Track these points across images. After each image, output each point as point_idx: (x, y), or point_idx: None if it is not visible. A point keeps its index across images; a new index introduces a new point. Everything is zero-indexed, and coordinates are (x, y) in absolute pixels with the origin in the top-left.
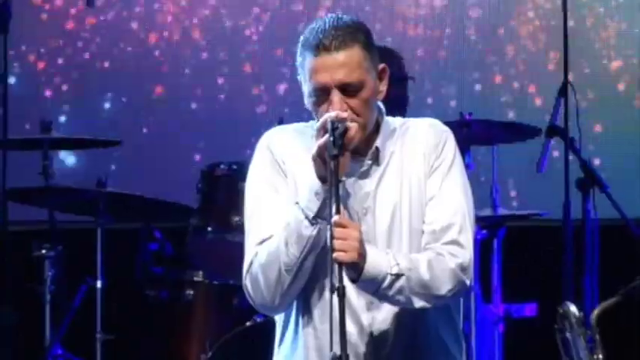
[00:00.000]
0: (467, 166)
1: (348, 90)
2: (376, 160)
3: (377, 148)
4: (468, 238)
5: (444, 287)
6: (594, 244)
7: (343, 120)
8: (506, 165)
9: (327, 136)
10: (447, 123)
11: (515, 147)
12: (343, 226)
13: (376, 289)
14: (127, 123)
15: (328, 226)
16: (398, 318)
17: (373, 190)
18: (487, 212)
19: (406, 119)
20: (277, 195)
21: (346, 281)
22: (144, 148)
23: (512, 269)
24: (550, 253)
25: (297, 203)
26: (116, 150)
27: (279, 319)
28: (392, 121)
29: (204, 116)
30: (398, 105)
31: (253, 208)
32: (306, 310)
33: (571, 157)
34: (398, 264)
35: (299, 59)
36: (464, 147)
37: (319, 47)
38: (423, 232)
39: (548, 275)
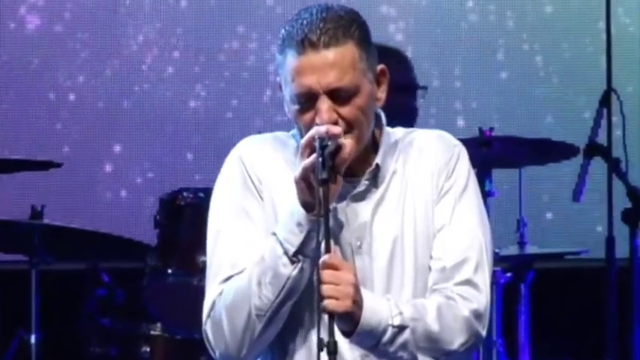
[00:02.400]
0: (488, 194)
1: (339, 96)
2: (374, 180)
3: (377, 166)
4: (484, 279)
5: (457, 340)
6: None
7: (335, 136)
8: (536, 192)
9: (314, 156)
10: (462, 141)
11: (548, 170)
12: (335, 268)
13: (375, 343)
14: (71, 141)
15: (315, 268)
16: None
17: (369, 218)
18: (513, 250)
19: (409, 130)
20: (250, 222)
21: (337, 334)
22: (89, 172)
23: (542, 320)
24: (589, 300)
25: (274, 234)
26: (55, 173)
27: None
28: (392, 133)
29: (167, 133)
30: (402, 118)
31: (218, 236)
32: None
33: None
34: (401, 313)
35: (279, 57)
36: (484, 170)
37: (304, 43)
38: (430, 269)
39: (586, 328)
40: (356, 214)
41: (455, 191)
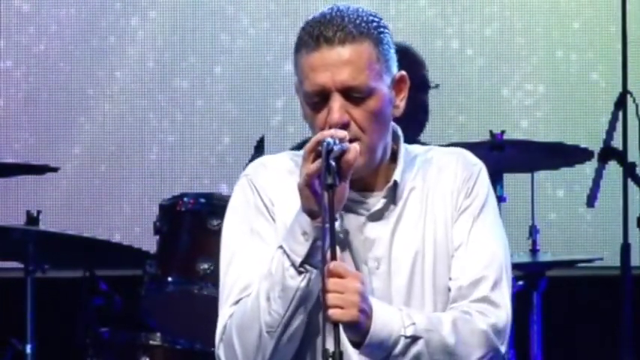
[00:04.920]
0: (499, 199)
1: (352, 96)
2: (392, 197)
3: (395, 183)
4: (503, 296)
5: (474, 354)
6: None
7: (341, 140)
8: (548, 197)
9: (318, 161)
10: (474, 144)
11: (561, 174)
12: (339, 276)
13: (386, 355)
14: (66, 145)
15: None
16: None
17: (388, 236)
18: (525, 258)
19: (428, 147)
20: (263, 244)
21: (347, 346)
22: (86, 176)
23: (555, 330)
24: (604, 310)
25: (280, 247)
26: (51, 177)
27: None
28: (411, 149)
29: (165, 137)
30: (412, 115)
31: (231, 260)
32: None
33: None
34: (414, 323)
35: (295, 56)
36: (495, 174)
37: (319, 39)
38: (449, 289)
39: (601, 337)
40: (374, 233)
41: (473, 210)
